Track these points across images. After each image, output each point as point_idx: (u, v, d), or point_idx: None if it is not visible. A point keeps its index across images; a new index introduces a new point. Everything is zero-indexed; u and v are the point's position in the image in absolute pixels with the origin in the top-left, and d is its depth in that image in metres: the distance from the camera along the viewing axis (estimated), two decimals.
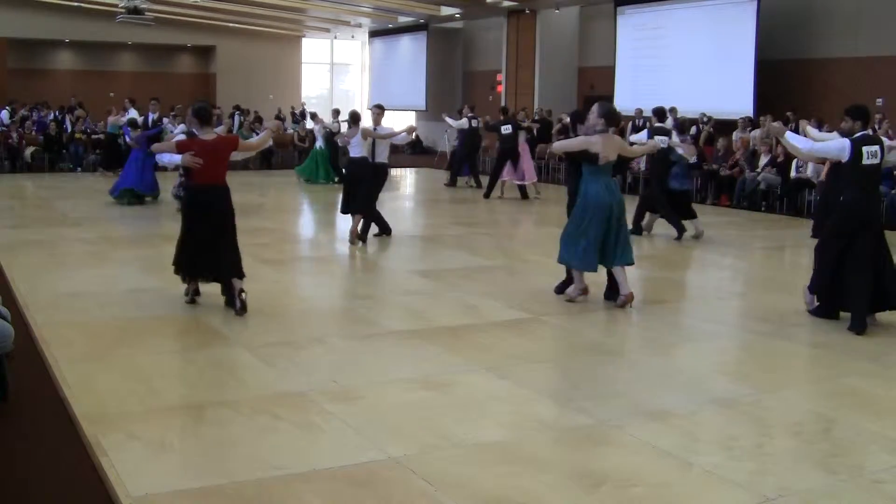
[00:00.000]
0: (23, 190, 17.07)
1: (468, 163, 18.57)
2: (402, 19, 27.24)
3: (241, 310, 7.08)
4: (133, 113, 17.80)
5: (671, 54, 19.48)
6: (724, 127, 17.07)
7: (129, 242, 10.65)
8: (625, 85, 20.72)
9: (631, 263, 7.75)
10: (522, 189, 16.32)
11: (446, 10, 24.39)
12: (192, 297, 7.52)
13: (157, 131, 15.25)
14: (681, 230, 11.49)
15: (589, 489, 4.06)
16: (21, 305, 7.20)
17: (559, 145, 8.02)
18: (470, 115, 18.72)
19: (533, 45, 23.52)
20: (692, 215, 11.62)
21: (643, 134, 11.87)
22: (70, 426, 4.73)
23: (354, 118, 11.38)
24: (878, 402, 5.38)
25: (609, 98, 20.81)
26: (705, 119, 17.23)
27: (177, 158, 7.17)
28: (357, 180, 10.66)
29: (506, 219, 14.36)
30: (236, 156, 7.73)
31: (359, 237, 10.68)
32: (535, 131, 18.48)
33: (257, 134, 22.45)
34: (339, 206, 11.16)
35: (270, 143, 11.88)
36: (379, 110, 10.90)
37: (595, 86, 22.65)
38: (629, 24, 20.79)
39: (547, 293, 8.25)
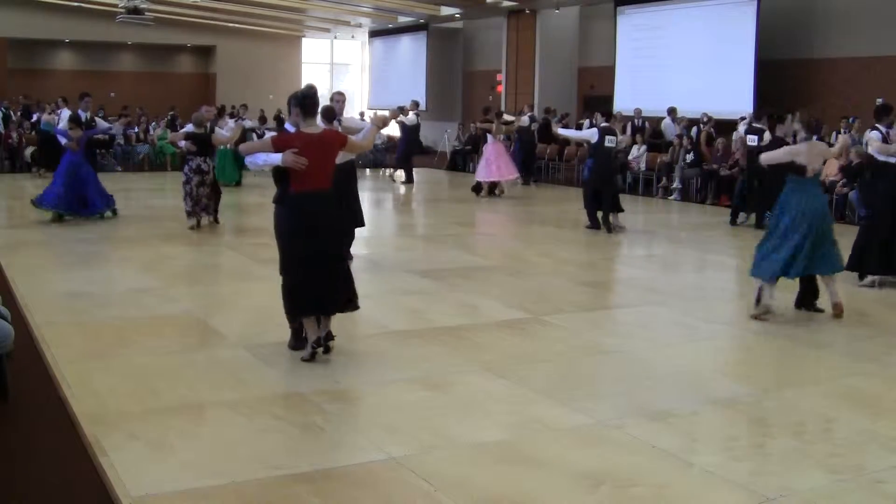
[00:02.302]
0: (23, 190, 17.06)
1: (525, 163, 18.46)
2: (402, 19, 27.24)
3: (323, 352, 5.86)
4: (65, 113, 16.34)
5: (671, 54, 19.47)
6: (724, 127, 17.07)
7: (129, 242, 10.65)
8: (625, 85, 20.72)
9: (840, 270, 7.43)
10: (489, 186, 16.58)
11: (446, 10, 24.38)
12: (319, 347, 5.82)
13: (105, 130, 13.88)
14: (595, 223, 12.17)
15: (589, 489, 4.06)
16: (21, 305, 7.19)
17: (766, 157, 7.66)
18: (529, 113, 19.02)
19: (533, 45, 23.51)
20: (619, 209, 12.31)
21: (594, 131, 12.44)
22: (70, 426, 4.73)
23: (328, 115, 8.89)
24: (878, 402, 5.38)
25: (608, 98, 20.85)
26: (705, 119, 17.23)
27: (275, 158, 5.68)
28: (346, 191, 8.70)
29: (506, 219, 14.36)
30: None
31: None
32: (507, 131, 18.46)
33: (257, 135, 22.48)
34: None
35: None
36: (340, 96, 8.94)
37: (595, 86, 22.66)
38: (629, 24, 20.79)
39: (547, 293, 8.24)
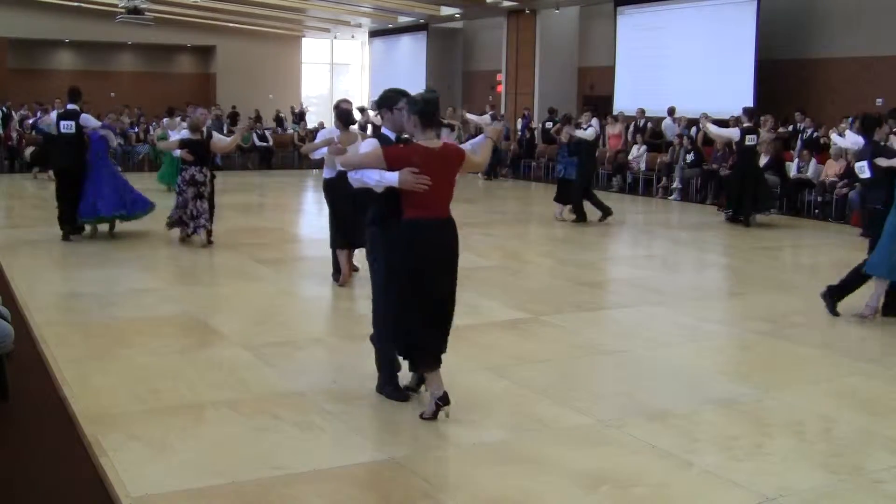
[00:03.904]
0: (23, 190, 17.07)
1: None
2: (402, 19, 27.24)
3: (430, 416, 4.86)
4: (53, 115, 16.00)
5: (671, 54, 19.48)
6: (724, 127, 17.05)
7: (129, 242, 10.64)
8: (625, 85, 20.73)
9: None
10: None
11: (446, 10, 24.39)
12: (447, 404, 4.87)
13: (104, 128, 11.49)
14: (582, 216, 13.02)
15: (589, 489, 4.06)
16: (21, 305, 7.19)
17: (886, 163, 7.63)
18: (491, 112, 18.51)
19: (533, 45, 23.52)
20: (568, 202, 13.20)
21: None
22: (70, 426, 4.73)
23: (346, 118, 8.27)
24: (878, 402, 5.38)
25: (609, 98, 20.86)
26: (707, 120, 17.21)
27: (390, 178, 4.63)
28: (358, 204, 8.24)
29: (505, 218, 14.36)
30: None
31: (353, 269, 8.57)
32: (456, 128, 18.32)
33: (257, 135, 22.51)
34: (339, 239, 8.31)
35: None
36: (347, 104, 8.51)
37: (595, 86, 22.67)
38: (629, 24, 20.80)
39: (547, 293, 8.24)
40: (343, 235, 8.15)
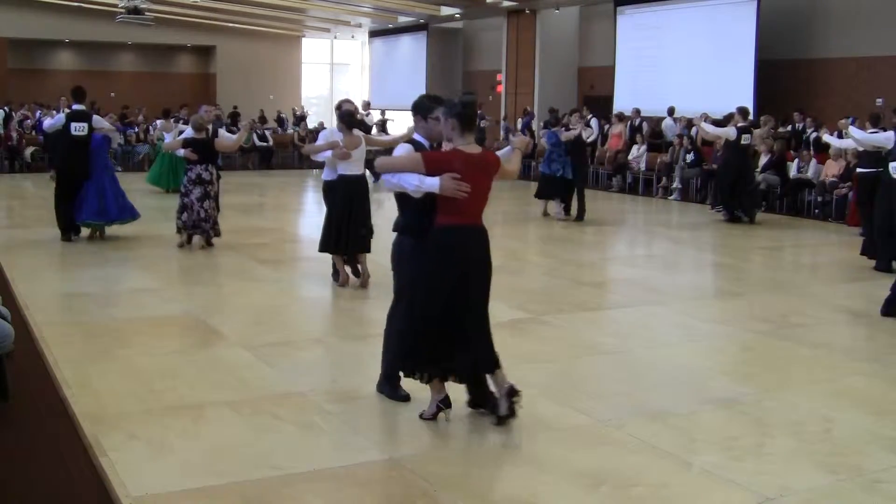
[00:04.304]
0: (23, 190, 17.07)
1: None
2: (402, 19, 27.23)
3: (508, 417, 4.71)
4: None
5: (671, 54, 19.48)
6: (724, 124, 17.06)
7: (129, 242, 10.64)
8: (625, 85, 20.72)
9: None
10: None
11: (446, 10, 24.38)
12: (447, 408, 4.80)
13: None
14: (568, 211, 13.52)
15: (589, 489, 4.06)
16: (21, 305, 7.19)
17: None
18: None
19: (533, 45, 23.52)
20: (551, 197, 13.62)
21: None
22: (70, 426, 4.73)
23: (349, 121, 8.05)
24: (878, 402, 5.38)
25: (608, 98, 20.86)
26: (703, 119, 17.21)
27: (431, 183, 4.50)
28: (355, 212, 8.05)
29: (505, 218, 14.35)
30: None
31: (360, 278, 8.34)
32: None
33: (258, 135, 22.50)
34: (329, 244, 8.18)
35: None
36: (350, 105, 8.57)
37: (595, 86, 22.66)
38: (629, 24, 20.79)
39: (547, 293, 8.24)
40: (335, 242, 8.05)
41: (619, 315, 7.58)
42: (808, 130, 15.82)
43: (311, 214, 15.59)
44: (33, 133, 21.20)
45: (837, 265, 10.36)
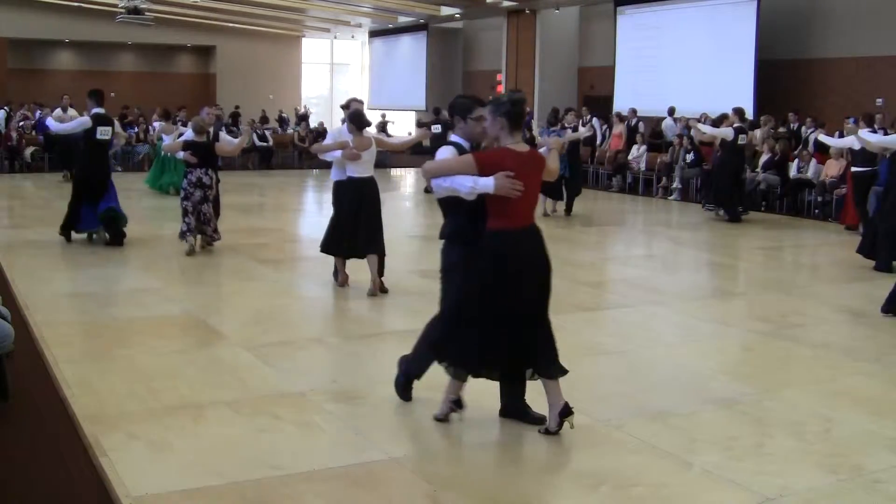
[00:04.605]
0: (23, 190, 17.07)
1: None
2: (402, 19, 27.24)
3: (556, 428, 4.61)
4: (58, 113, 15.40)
5: (671, 54, 19.48)
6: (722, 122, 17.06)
7: (129, 242, 10.63)
8: (625, 85, 20.72)
9: None
10: None
11: (446, 10, 24.39)
12: (460, 408, 4.81)
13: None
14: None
15: (589, 489, 4.06)
16: (21, 305, 7.19)
17: None
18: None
19: (533, 45, 23.52)
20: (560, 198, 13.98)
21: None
22: (70, 426, 4.73)
23: (359, 121, 7.85)
24: (878, 402, 5.38)
25: (608, 98, 20.85)
26: (703, 119, 17.23)
27: (484, 184, 4.34)
28: (363, 214, 7.84)
29: None
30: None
31: (382, 288, 8.03)
32: None
33: (258, 135, 22.50)
34: (332, 246, 8.07)
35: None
36: (359, 103, 8.46)
37: (595, 86, 22.67)
38: (629, 24, 20.80)
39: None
40: (336, 244, 7.93)
41: (619, 315, 7.58)
42: (808, 131, 15.82)
43: (311, 214, 15.59)
44: (33, 133, 21.19)
45: (837, 265, 10.35)
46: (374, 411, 5.05)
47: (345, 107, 8.34)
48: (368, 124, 8.06)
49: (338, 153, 7.73)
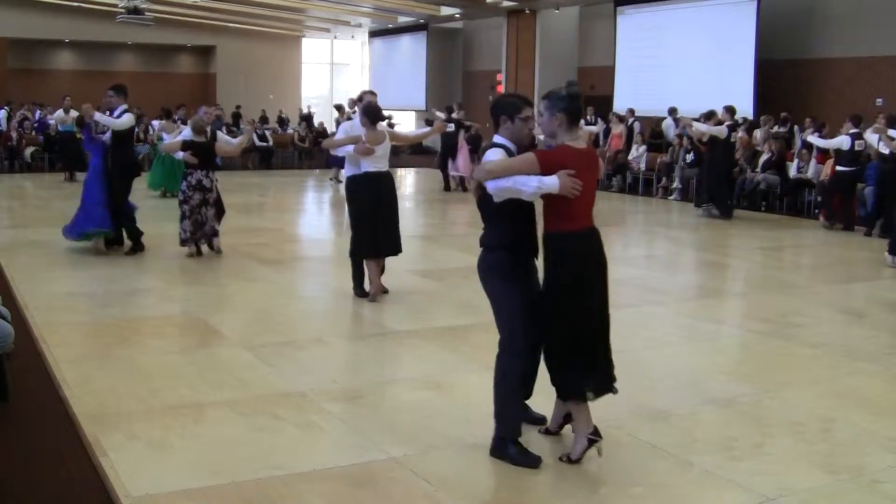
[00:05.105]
0: (23, 190, 17.07)
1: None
2: (402, 19, 27.25)
3: (576, 462, 4.34)
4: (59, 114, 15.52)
5: (671, 54, 19.48)
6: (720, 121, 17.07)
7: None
8: (625, 85, 20.73)
9: None
10: (448, 180, 17.79)
11: (446, 10, 24.40)
12: (600, 437, 4.37)
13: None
14: None
15: (589, 489, 4.06)
16: (21, 305, 7.19)
17: None
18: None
19: (533, 45, 23.52)
20: None
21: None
22: (70, 426, 4.73)
23: (374, 115, 7.66)
24: (878, 402, 5.38)
25: (608, 98, 20.85)
26: (702, 119, 17.23)
27: (550, 183, 4.07)
28: (385, 208, 7.57)
29: None
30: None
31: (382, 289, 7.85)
32: (473, 130, 18.70)
33: (258, 135, 22.52)
34: (362, 248, 7.65)
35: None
36: (372, 95, 8.36)
37: (595, 86, 22.65)
38: (629, 24, 20.80)
39: None
40: (368, 243, 7.51)
41: (619, 315, 7.52)
42: (801, 133, 15.88)
43: (311, 214, 15.59)
44: (33, 133, 21.21)
45: (837, 265, 10.36)
46: (374, 411, 5.05)
47: (358, 99, 8.03)
48: (383, 118, 7.73)
49: (350, 148, 7.46)
